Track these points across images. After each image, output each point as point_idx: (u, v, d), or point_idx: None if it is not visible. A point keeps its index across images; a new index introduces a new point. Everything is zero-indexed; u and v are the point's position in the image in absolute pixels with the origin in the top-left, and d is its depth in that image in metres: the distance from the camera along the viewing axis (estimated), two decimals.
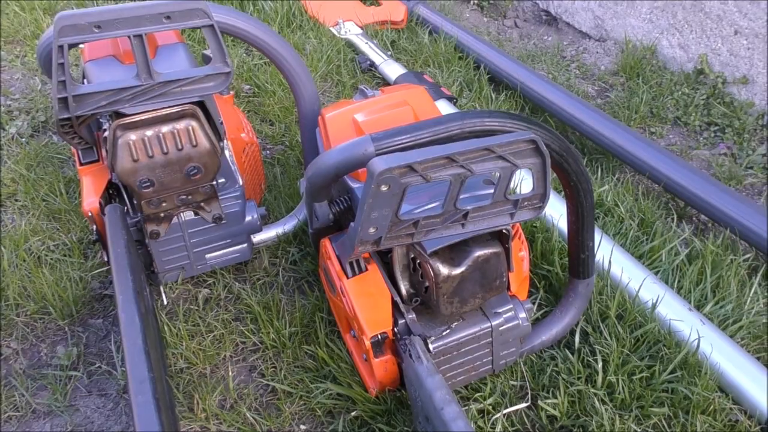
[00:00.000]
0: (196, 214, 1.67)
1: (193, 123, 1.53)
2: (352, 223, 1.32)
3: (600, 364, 1.48)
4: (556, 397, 1.45)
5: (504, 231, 1.34)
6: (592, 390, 1.45)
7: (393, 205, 1.16)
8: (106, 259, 1.66)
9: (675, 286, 1.72)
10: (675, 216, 2.02)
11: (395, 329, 1.38)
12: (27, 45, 2.84)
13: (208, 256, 1.75)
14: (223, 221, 1.70)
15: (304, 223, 1.89)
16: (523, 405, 1.47)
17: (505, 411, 1.44)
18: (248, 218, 1.75)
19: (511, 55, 2.84)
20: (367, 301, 1.39)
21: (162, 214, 1.63)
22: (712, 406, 1.42)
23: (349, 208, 1.52)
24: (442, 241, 1.29)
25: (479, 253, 1.32)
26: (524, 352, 1.54)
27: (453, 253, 1.32)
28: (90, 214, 1.58)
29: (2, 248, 1.82)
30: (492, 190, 1.31)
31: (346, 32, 3.02)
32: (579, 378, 1.49)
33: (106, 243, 1.63)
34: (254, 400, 1.51)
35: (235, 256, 1.79)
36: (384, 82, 2.74)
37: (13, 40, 2.88)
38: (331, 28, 3.05)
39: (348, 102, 1.62)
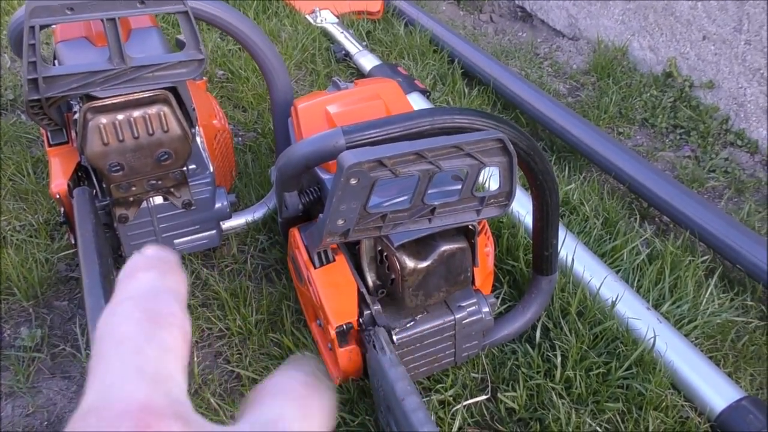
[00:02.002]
0: (165, 199, 1.67)
1: (165, 108, 1.53)
2: (321, 215, 1.33)
3: (559, 359, 1.52)
4: (515, 390, 1.49)
5: (470, 227, 1.37)
6: (551, 384, 1.49)
7: (361, 199, 1.18)
8: (73, 242, 1.66)
9: (635, 285, 1.77)
10: (638, 216, 2.06)
11: (360, 320, 1.40)
12: None
13: (176, 241, 1.76)
14: (193, 207, 1.70)
15: (273, 211, 1.90)
16: (483, 397, 1.50)
17: (465, 402, 1.48)
18: (218, 205, 1.75)
19: (486, 51, 2.87)
20: (334, 291, 1.41)
21: (131, 199, 1.62)
22: (664, 403, 1.47)
23: (319, 198, 1.53)
24: (410, 234, 1.31)
25: (445, 247, 1.35)
26: (486, 345, 1.57)
27: (419, 247, 1.35)
28: (58, 196, 1.57)
29: None
30: (460, 186, 1.34)
31: (321, 21, 3.02)
32: (538, 372, 1.52)
33: (73, 226, 1.63)
34: (219, 386, 1.52)
35: (203, 242, 1.79)
36: (358, 72, 2.75)
37: None
38: (307, 16, 3.05)
39: (321, 93, 1.63)
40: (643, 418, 1.45)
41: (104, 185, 1.60)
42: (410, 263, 1.33)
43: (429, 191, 1.20)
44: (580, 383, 1.48)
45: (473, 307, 1.46)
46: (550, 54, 3.18)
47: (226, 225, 1.87)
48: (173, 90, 1.55)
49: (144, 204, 1.65)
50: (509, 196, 1.28)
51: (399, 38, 2.93)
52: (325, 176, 1.50)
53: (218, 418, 1.44)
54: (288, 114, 1.77)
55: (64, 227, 1.83)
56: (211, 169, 1.72)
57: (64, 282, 1.73)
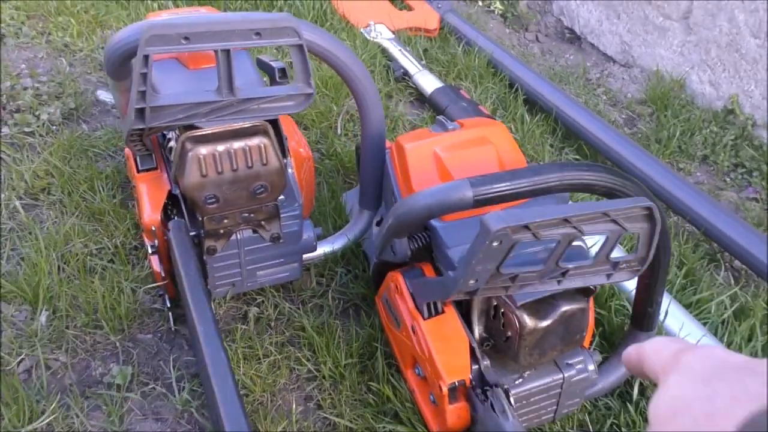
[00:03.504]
0: (254, 231, 1.62)
1: (266, 140, 1.48)
2: (450, 273, 1.28)
3: None
4: None
5: (591, 287, 1.33)
6: None
7: (498, 260, 1.14)
8: (159, 272, 1.59)
9: (725, 341, 1.74)
10: (722, 265, 2.02)
11: (470, 376, 1.35)
12: (50, 21, 2.71)
13: (259, 273, 1.70)
14: (281, 240, 1.65)
15: (353, 243, 1.84)
16: None
17: None
18: (305, 237, 1.70)
19: (545, 77, 2.82)
20: (445, 345, 1.36)
21: (222, 231, 1.57)
22: None
23: (427, 245, 1.48)
24: (534, 294, 1.27)
25: (566, 308, 1.31)
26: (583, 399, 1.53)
27: (539, 305, 1.31)
28: (153, 228, 1.51)
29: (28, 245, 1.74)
30: (583, 246, 1.30)
31: (376, 35, 2.95)
32: None
33: (165, 258, 1.57)
34: None
35: (285, 275, 1.74)
36: (417, 92, 2.69)
37: (34, 15, 2.74)
38: (362, 30, 2.99)
39: (426, 133, 1.58)
40: None
41: (197, 216, 1.55)
42: (530, 323, 1.29)
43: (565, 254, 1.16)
44: None
45: (581, 365, 1.43)
46: (602, 80, 3.14)
47: (305, 256, 1.82)
48: (272, 121, 1.51)
49: (232, 236, 1.60)
50: (643, 261, 1.25)
51: (457, 58, 2.88)
52: (437, 224, 1.45)
53: None
54: (380, 147, 1.72)
55: (140, 251, 1.77)
56: (300, 201, 1.67)
57: (149, 314, 1.66)
